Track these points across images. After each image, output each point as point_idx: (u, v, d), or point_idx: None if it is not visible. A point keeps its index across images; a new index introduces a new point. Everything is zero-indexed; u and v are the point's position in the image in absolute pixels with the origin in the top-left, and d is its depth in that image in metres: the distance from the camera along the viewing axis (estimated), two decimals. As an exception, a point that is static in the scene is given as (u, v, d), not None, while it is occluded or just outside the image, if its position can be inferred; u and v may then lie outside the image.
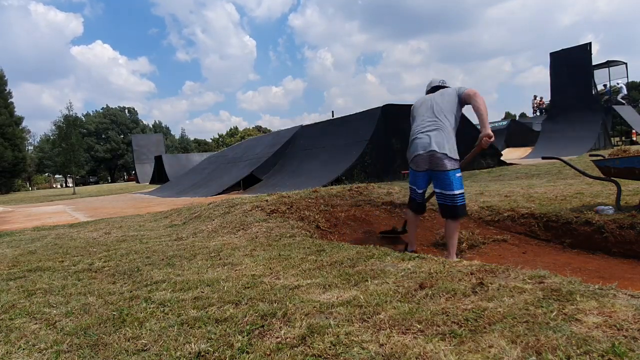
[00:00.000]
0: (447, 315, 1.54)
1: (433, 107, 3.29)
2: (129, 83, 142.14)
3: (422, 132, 3.24)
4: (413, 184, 3.45)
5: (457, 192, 3.13)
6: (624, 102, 19.72)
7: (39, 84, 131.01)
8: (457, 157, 3.16)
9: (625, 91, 20.28)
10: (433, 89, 3.52)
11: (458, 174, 3.16)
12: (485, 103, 3.12)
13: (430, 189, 3.45)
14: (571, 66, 17.35)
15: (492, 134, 3.03)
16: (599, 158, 4.31)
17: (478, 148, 3.18)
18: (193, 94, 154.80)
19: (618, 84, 20.25)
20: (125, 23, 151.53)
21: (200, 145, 72.34)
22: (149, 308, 1.97)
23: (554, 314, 1.46)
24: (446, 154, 3.11)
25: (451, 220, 3.19)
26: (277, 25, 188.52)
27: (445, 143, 3.14)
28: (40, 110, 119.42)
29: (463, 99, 3.23)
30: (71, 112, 23.33)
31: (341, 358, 1.32)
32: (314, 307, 1.77)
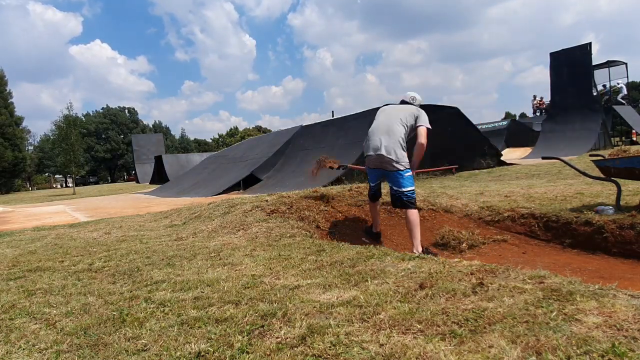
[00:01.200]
0: (447, 315, 1.54)
1: (391, 116, 3.74)
2: (128, 83, 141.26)
3: (375, 135, 3.68)
4: (369, 179, 3.98)
5: (406, 189, 3.57)
6: (624, 102, 19.72)
7: (38, 83, 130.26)
8: (404, 161, 3.57)
9: (625, 91, 20.28)
10: (401, 103, 3.97)
11: (407, 174, 3.59)
12: (422, 153, 3.66)
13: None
14: (571, 66, 17.34)
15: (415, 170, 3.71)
16: (599, 158, 4.31)
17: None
18: (192, 93, 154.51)
19: (618, 84, 20.25)
20: (124, 22, 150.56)
21: (200, 145, 72.34)
22: (149, 308, 1.97)
23: (554, 314, 1.46)
24: (392, 159, 3.54)
25: (407, 212, 3.56)
26: (276, 24, 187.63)
27: (392, 149, 3.55)
28: (39, 110, 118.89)
29: (415, 129, 3.70)
30: (71, 112, 23.35)
31: (341, 358, 1.32)
32: (314, 307, 1.77)
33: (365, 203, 4.88)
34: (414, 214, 3.55)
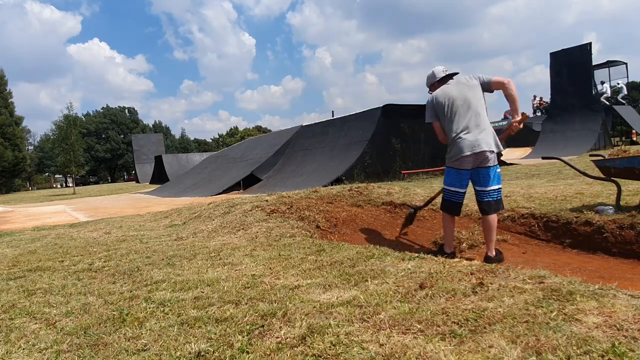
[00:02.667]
0: (447, 315, 1.54)
1: (469, 104, 3.23)
2: (127, 82, 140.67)
3: (467, 132, 3.18)
4: (456, 185, 3.32)
5: (495, 187, 3.20)
6: (624, 102, 19.71)
7: (36, 83, 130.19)
8: (499, 148, 3.20)
9: (625, 91, 20.26)
10: (443, 80, 3.42)
11: (498, 170, 3.24)
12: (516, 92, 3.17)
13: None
14: (571, 66, 17.34)
15: (519, 118, 3.17)
16: (599, 158, 4.31)
17: (507, 133, 3.30)
18: (191, 93, 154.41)
19: (618, 84, 20.23)
20: (122, 21, 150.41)
21: (200, 145, 72.33)
22: (149, 308, 1.97)
23: (554, 314, 1.46)
24: (493, 151, 3.16)
25: (488, 217, 3.21)
26: (275, 23, 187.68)
27: (491, 140, 3.16)
28: (37, 110, 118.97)
29: (490, 87, 3.25)
30: (71, 112, 23.33)
31: (341, 358, 1.32)
32: (314, 307, 1.77)
33: (366, 203, 4.88)
34: (495, 216, 3.26)
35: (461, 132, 3.20)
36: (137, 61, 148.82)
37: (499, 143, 3.22)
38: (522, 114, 3.20)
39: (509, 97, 3.17)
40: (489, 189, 3.19)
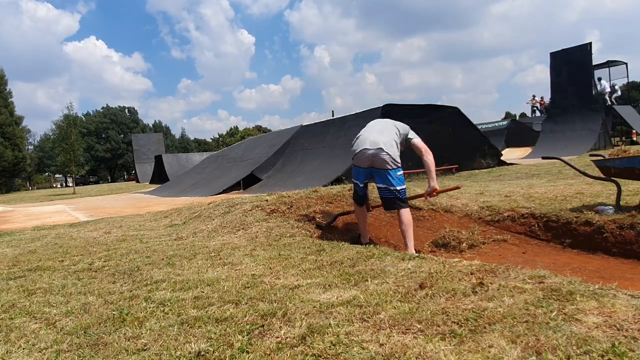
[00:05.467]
0: (447, 315, 1.54)
1: (381, 121, 3.79)
2: (125, 82, 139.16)
3: (370, 132, 3.59)
4: (356, 179, 3.72)
5: (401, 187, 3.47)
6: (614, 102, 19.69)
7: (33, 82, 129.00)
8: (399, 159, 3.50)
9: (619, 92, 20.24)
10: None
11: (399, 173, 3.49)
12: (433, 159, 3.56)
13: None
14: (571, 66, 17.33)
15: (437, 188, 3.59)
16: (599, 158, 4.31)
17: (425, 195, 3.69)
18: (189, 92, 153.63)
19: (615, 85, 20.21)
20: (119, 20, 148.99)
21: (200, 145, 72.30)
22: (149, 307, 1.97)
23: (554, 314, 1.46)
24: (390, 155, 3.43)
25: (401, 212, 3.45)
26: (273, 22, 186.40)
27: (390, 145, 3.46)
28: (35, 110, 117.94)
29: (411, 144, 3.65)
30: (71, 112, 23.33)
31: (341, 358, 1.32)
32: (314, 307, 1.77)
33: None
34: (408, 213, 3.45)
35: (365, 133, 3.68)
36: (134, 59, 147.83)
37: (398, 155, 3.51)
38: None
39: (426, 164, 3.56)
40: (390, 188, 3.51)
